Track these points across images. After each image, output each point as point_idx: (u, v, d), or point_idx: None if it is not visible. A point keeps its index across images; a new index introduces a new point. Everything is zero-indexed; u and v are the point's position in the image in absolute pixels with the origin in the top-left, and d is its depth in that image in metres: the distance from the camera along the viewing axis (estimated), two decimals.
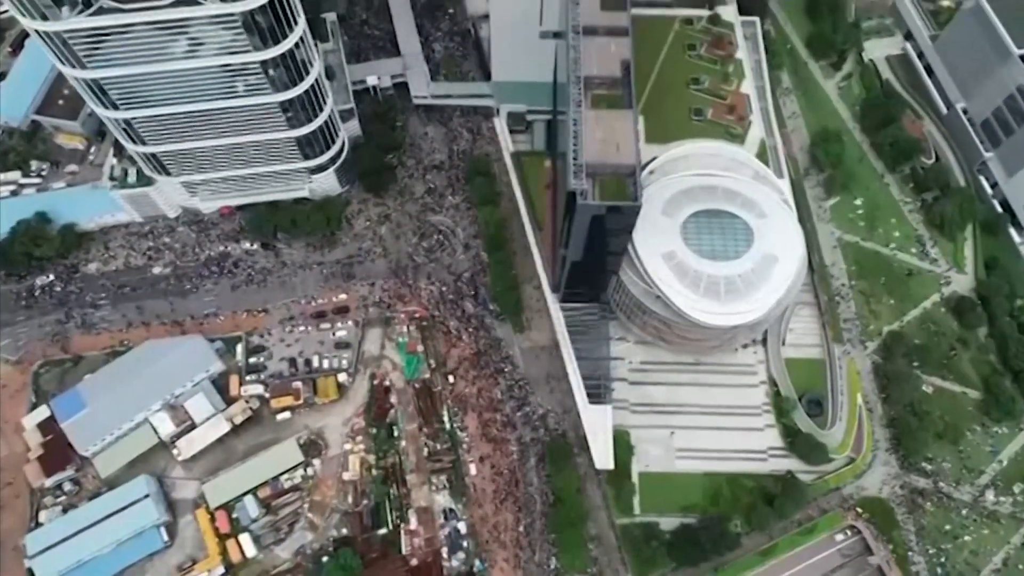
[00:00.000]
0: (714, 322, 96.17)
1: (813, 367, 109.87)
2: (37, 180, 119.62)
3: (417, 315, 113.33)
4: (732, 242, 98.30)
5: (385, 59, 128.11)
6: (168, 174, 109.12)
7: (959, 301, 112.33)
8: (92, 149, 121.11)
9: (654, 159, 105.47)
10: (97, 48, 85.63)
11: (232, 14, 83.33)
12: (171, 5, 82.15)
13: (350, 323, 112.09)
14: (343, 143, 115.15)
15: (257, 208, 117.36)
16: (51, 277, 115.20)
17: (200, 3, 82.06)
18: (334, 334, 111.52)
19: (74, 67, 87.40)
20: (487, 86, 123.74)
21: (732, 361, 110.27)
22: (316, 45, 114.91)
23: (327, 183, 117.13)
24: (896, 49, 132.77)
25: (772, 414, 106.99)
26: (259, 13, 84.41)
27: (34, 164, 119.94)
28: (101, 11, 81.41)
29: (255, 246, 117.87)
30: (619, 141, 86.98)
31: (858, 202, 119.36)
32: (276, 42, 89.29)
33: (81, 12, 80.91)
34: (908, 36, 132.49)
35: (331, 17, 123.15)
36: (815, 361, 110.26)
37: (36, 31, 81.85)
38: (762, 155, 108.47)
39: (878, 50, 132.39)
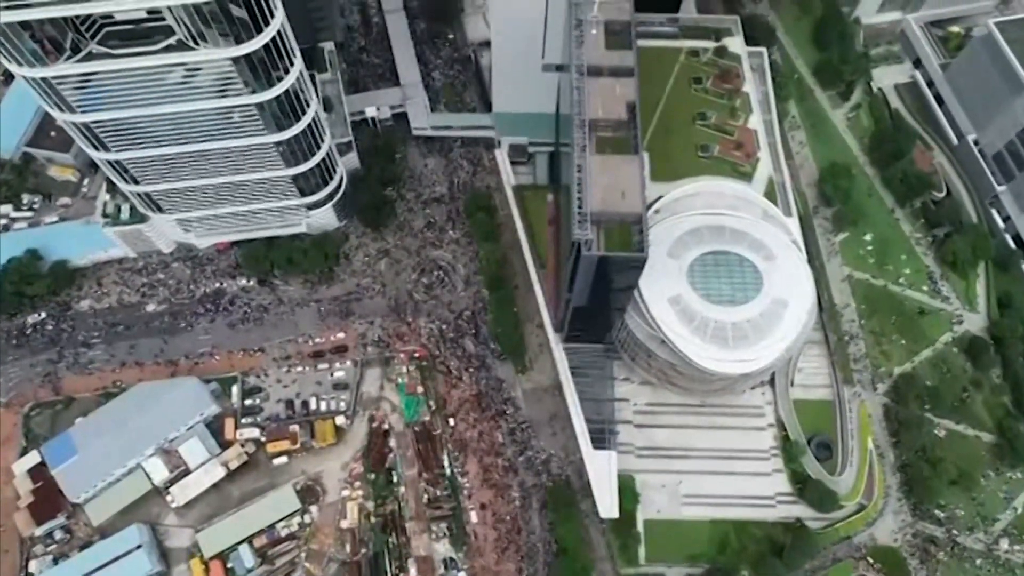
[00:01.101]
0: (722, 369, 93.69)
1: (822, 409, 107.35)
2: (29, 213, 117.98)
3: (417, 354, 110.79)
4: (740, 286, 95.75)
5: (384, 89, 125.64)
6: (162, 211, 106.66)
7: (972, 341, 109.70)
8: (85, 182, 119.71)
9: (660, 198, 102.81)
10: (86, 92, 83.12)
11: (226, 59, 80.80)
12: (163, 50, 79.78)
13: (348, 363, 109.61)
14: (341, 177, 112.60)
15: (253, 243, 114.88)
16: (43, 315, 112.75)
17: (193, 48, 79.58)
18: (332, 374, 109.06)
19: (63, 111, 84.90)
20: (488, 117, 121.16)
21: (739, 403, 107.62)
22: (313, 77, 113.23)
23: (325, 218, 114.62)
24: (905, 77, 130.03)
25: (780, 458, 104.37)
26: (254, 56, 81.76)
27: (26, 197, 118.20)
28: (91, 57, 79.00)
29: (251, 282, 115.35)
30: (625, 188, 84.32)
31: (868, 238, 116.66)
32: (272, 84, 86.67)
33: (69, 58, 78.42)
34: (917, 63, 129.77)
35: (329, 46, 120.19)
36: (824, 402, 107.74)
37: (24, 77, 79.35)
38: (770, 193, 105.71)
39: (887, 78, 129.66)
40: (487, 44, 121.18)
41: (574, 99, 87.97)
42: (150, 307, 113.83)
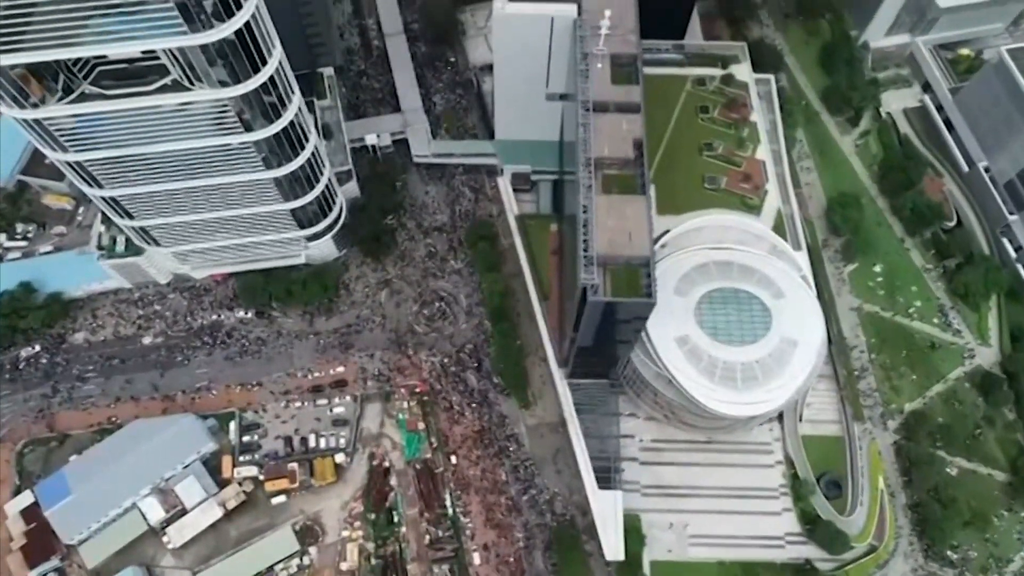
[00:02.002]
0: (730, 412, 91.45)
1: (831, 445, 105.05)
2: (23, 243, 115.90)
3: (418, 389, 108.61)
4: (749, 325, 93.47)
5: (385, 115, 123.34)
6: (158, 244, 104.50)
7: (984, 376, 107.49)
8: (80, 210, 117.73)
9: (666, 232, 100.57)
10: (79, 131, 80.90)
11: (222, 99, 78.68)
12: (158, 91, 77.65)
13: (348, 398, 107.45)
14: (340, 207, 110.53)
15: (251, 274, 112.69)
16: (37, 348, 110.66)
17: (189, 88, 77.45)
18: (331, 410, 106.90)
19: (55, 150, 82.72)
20: (490, 144, 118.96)
21: (747, 439, 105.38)
22: (312, 104, 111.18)
23: (324, 249, 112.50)
24: (914, 101, 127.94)
25: (789, 497, 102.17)
26: (251, 96, 79.66)
27: (20, 227, 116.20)
28: (83, 98, 76.89)
29: (249, 314, 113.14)
30: (631, 230, 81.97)
31: (877, 269, 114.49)
32: (270, 121, 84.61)
33: (62, 99, 76.27)
34: (926, 87, 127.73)
35: (328, 72, 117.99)
36: (834, 439, 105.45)
37: (14, 119, 77.16)
38: (779, 226, 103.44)
39: (895, 102, 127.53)
40: (489, 68, 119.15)
41: (579, 136, 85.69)
42: (146, 340, 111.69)
